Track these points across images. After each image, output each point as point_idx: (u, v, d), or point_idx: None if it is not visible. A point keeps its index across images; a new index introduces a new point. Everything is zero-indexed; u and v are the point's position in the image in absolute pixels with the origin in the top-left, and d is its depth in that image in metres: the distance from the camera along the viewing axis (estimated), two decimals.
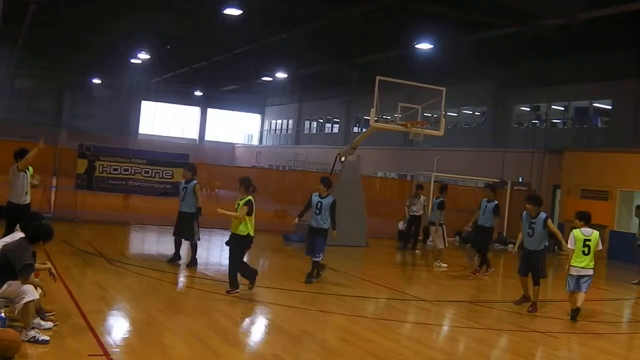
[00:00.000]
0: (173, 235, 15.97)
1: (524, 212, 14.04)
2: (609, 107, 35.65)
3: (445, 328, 12.48)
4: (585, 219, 13.27)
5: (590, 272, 12.99)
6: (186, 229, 15.70)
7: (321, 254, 15.00)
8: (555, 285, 17.91)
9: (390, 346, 10.20)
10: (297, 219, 15.97)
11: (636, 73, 31.58)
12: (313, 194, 15.25)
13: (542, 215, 13.87)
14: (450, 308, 14.16)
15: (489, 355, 10.63)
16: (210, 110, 73.50)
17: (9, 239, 9.32)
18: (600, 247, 13.21)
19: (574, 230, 13.21)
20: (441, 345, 10.96)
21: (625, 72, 31.90)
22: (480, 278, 17.92)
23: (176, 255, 15.79)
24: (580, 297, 13.04)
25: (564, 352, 11.05)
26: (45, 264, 9.52)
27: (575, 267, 12.96)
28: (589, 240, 12.93)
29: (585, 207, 27.29)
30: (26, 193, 13.43)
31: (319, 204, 15.00)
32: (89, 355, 8.17)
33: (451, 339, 11.62)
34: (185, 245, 15.96)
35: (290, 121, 69.34)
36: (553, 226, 14.04)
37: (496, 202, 18.24)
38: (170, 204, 22.72)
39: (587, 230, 13.04)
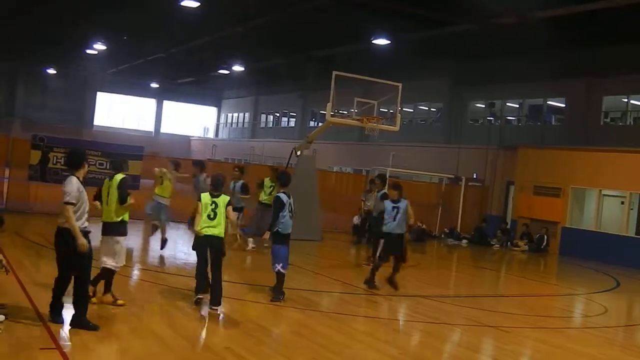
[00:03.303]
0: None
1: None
2: (563, 106, 36.16)
3: (397, 322, 12.58)
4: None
5: None
6: None
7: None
8: (507, 281, 18.16)
9: (343, 340, 10.27)
10: (268, 234, 12.72)
11: (589, 72, 32.09)
12: (280, 194, 12.42)
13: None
14: (403, 302, 14.28)
15: (441, 349, 10.75)
16: (166, 103, 72.98)
17: None
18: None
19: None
20: (393, 339, 11.04)
21: (579, 71, 32.40)
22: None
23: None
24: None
25: (515, 346, 11.20)
26: None
27: None
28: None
29: (538, 203, 28.24)
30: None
31: (291, 206, 12.49)
32: (41, 348, 8.10)
33: (403, 333, 11.72)
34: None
35: (247, 114, 69.20)
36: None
37: (384, 191, 17.97)
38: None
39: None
